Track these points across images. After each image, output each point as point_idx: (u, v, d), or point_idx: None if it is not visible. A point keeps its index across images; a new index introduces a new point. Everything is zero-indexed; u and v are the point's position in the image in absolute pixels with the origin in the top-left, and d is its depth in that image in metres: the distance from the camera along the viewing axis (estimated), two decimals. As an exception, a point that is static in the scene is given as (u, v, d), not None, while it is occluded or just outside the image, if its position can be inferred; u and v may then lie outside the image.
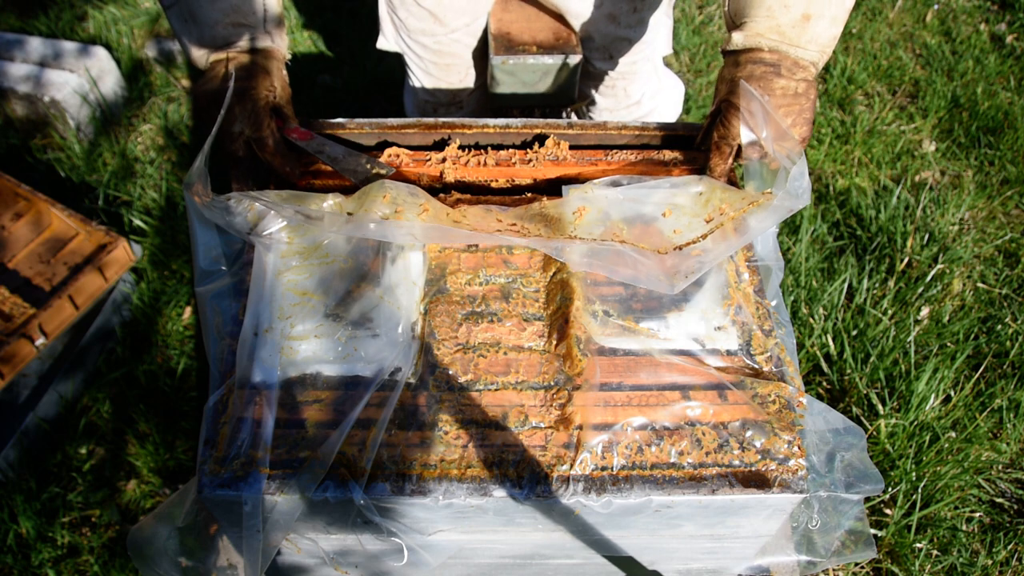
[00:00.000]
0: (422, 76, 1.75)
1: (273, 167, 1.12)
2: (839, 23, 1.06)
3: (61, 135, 2.41)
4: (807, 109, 1.07)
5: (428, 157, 1.18)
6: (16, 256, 1.91)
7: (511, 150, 1.20)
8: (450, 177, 1.17)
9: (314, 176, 1.17)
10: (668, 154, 1.20)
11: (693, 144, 1.21)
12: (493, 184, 1.18)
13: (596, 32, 1.65)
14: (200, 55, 1.11)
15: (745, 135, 1.06)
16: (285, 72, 1.16)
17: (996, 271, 2.20)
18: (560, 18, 1.69)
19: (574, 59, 1.64)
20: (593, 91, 1.82)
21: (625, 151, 1.21)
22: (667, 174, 1.18)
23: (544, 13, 1.70)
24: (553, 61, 1.63)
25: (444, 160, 1.18)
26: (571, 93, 1.75)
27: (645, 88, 1.82)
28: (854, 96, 2.70)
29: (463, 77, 1.75)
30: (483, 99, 1.84)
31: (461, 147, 1.20)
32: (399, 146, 1.20)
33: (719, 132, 1.11)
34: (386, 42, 1.73)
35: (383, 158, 1.18)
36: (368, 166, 1.12)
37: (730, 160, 1.12)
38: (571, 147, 1.21)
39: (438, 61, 1.70)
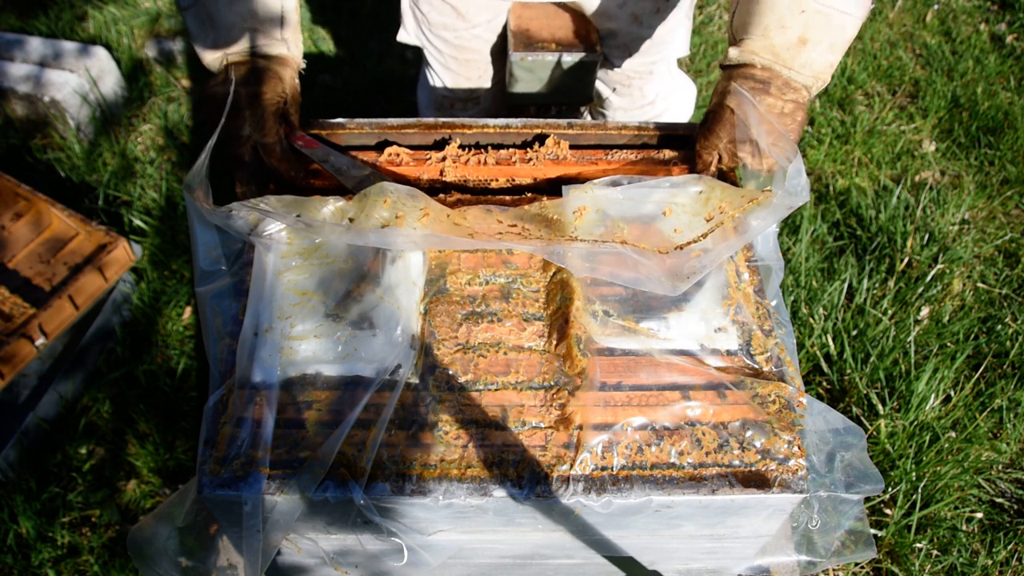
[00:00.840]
0: (441, 71, 1.75)
1: (278, 172, 1.13)
2: (837, 51, 1.06)
3: (61, 135, 2.41)
4: (791, 131, 1.07)
5: (428, 156, 1.18)
6: (16, 256, 1.91)
7: (511, 149, 1.20)
8: (450, 176, 1.17)
9: (315, 176, 1.17)
10: (668, 153, 1.20)
11: (692, 144, 1.21)
12: (493, 184, 1.18)
13: (617, 31, 1.65)
14: (214, 58, 1.12)
15: (733, 138, 1.07)
16: (297, 81, 1.16)
17: (996, 271, 2.20)
18: (580, 16, 1.69)
19: (592, 57, 1.64)
20: (609, 90, 1.82)
21: (625, 150, 1.21)
22: (667, 173, 1.18)
23: (564, 11, 1.70)
24: (571, 59, 1.63)
25: (444, 159, 1.18)
26: (588, 92, 1.75)
27: (660, 88, 1.82)
28: (854, 96, 2.70)
29: (482, 73, 1.76)
30: (500, 96, 1.84)
31: (461, 146, 1.20)
32: (399, 146, 1.20)
33: (700, 142, 1.13)
34: (406, 35, 1.74)
35: (383, 157, 1.18)
36: (371, 178, 1.12)
37: (712, 168, 1.13)
38: (571, 147, 1.21)
39: (458, 56, 1.71)
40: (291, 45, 1.14)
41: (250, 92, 1.08)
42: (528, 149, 1.20)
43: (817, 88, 1.08)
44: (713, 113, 1.11)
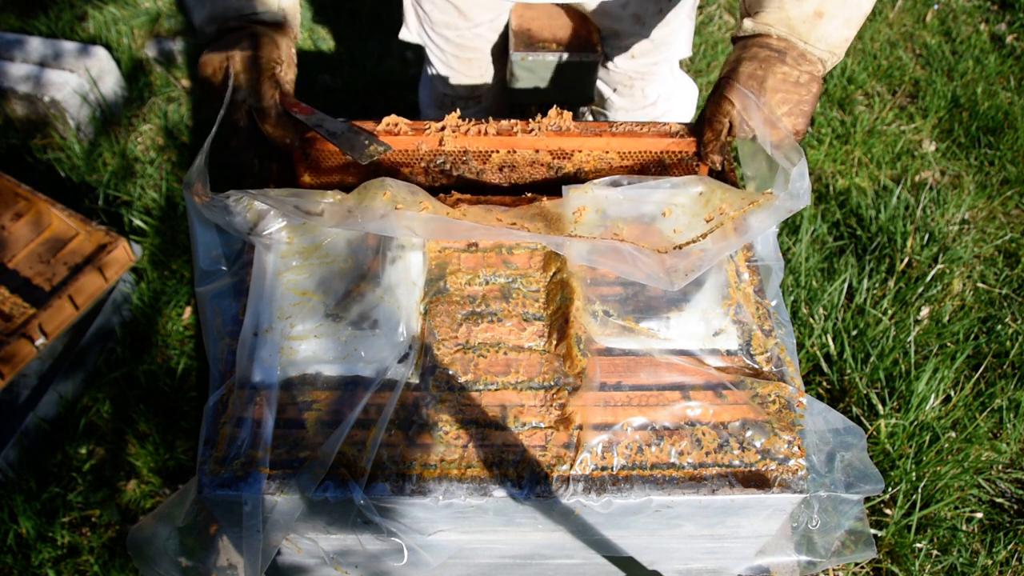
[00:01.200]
0: (442, 70, 1.76)
1: (273, 138, 1.12)
2: (853, 26, 1.05)
3: (61, 135, 2.41)
4: (806, 101, 1.06)
5: (427, 126, 1.16)
6: (16, 256, 1.91)
7: (512, 120, 1.17)
8: (449, 146, 1.15)
9: (310, 145, 1.16)
10: (675, 126, 1.17)
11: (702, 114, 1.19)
12: (494, 155, 1.16)
13: (620, 31, 1.65)
14: (211, 25, 1.11)
15: (746, 106, 1.05)
16: (293, 51, 1.16)
17: (996, 271, 2.20)
18: (582, 16, 1.69)
19: (593, 58, 1.64)
20: (610, 90, 1.82)
21: (629, 123, 1.19)
22: (674, 145, 1.16)
23: (566, 11, 1.70)
24: (572, 59, 1.63)
25: (443, 128, 1.15)
26: (589, 92, 1.75)
27: (662, 89, 1.82)
28: (854, 96, 2.70)
29: (483, 72, 1.76)
30: (501, 95, 1.84)
31: (461, 117, 1.17)
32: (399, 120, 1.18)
33: (710, 108, 1.10)
34: (408, 34, 1.74)
35: (381, 125, 1.16)
36: (366, 142, 1.11)
37: (723, 136, 1.10)
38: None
39: (459, 55, 1.71)
40: (288, 15, 1.14)
41: (245, 57, 1.08)
42: (530, 120, 1.17)
43: (832, 63, 1.07)
44: (725, 80, 1.09)
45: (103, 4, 2.88)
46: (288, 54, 1.14)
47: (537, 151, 1.17)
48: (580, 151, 1.17)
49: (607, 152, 1.16)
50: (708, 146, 1.12)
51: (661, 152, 1.17)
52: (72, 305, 1.83)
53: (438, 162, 1.17)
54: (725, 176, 1.18)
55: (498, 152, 1.17)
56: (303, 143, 1.16)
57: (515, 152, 1.16)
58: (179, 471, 1.79)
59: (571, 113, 1.17)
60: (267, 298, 1.01)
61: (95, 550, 1.68)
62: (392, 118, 1.16)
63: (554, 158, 1.17)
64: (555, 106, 1.18)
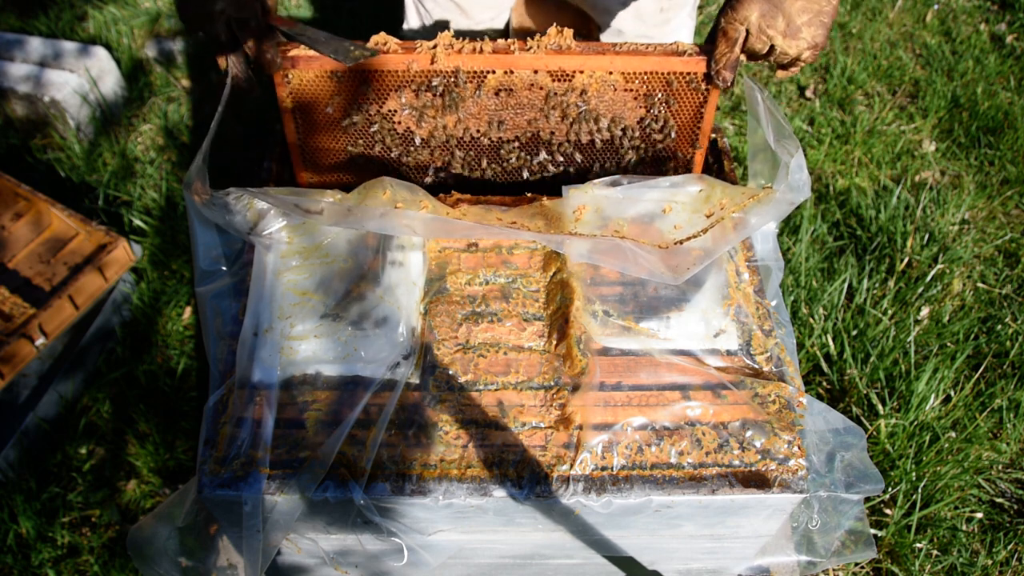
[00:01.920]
0: None
1: (254, 54, 1.08)
2: None
3: (61, 135, 2.41)
4: (826, 12, 1.03)
5: (418, 45, 1.10)
6: (16, 256, 1.91)
7: (510, 39, 1.12)
8: (442, 64, 1.09)
9: (293, 64, 1.11)
10: (683, 45, 1.12)
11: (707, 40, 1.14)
12: (490, 75, 1.11)
13: (621, 30, 1.65)
14: None
15: (764, 13, 1.01)
16: None
17: (996, 271, 2.20)
18: (583, 15, 1.69)
19: None
20: None
21: (634, 43, 1.14)
22: (681, 64, 1.10)
23: (567, 9, 1.70)
24: None
25: (436, 46, 1.09)
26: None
27: None
28: (854, 96, 2.70)
29: None
30: None
31: (456, 36, 1.12)
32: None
33: (727, 17, 1.05)
34: (409, 32, 1.75)
35: (370, 44, 1.11)
36: (351, 48, 1.07)
37: (737, 49, 1.06)
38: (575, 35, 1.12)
39: None
40: None
41: None
42: (528, 39, 1.10)
43: None
44: None
45: (103, 4, 2.88)
46: None
47: (536, 72, 1.10)
48: (582, 72, 1.11)
49: (611, 73, 1.11)
50: (720, 60, 1.08)
51: (668, 73, 1.11)
52: (72, 305, 1.83)
53: (431, 84, 1.10)
54: (725, 175, 1.18)
55: (494, 73, 1.10)
56: (285, 61, 1.10)
57: (512, 73, 1.10)
58: (179, 471, 1.79)
59: (572, 31, 1.11)
60: (267, 298, 1.01)
61: (95, 550, 1.68)
62: (381, 36, 1.11)
63: (554, 80, 1.11)
64: (555, 24, 1.12)
